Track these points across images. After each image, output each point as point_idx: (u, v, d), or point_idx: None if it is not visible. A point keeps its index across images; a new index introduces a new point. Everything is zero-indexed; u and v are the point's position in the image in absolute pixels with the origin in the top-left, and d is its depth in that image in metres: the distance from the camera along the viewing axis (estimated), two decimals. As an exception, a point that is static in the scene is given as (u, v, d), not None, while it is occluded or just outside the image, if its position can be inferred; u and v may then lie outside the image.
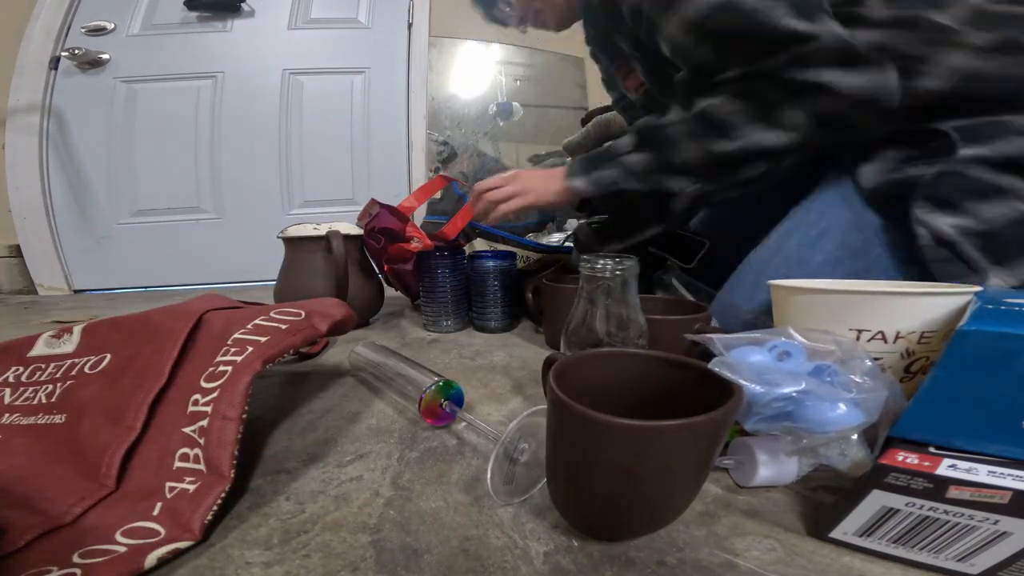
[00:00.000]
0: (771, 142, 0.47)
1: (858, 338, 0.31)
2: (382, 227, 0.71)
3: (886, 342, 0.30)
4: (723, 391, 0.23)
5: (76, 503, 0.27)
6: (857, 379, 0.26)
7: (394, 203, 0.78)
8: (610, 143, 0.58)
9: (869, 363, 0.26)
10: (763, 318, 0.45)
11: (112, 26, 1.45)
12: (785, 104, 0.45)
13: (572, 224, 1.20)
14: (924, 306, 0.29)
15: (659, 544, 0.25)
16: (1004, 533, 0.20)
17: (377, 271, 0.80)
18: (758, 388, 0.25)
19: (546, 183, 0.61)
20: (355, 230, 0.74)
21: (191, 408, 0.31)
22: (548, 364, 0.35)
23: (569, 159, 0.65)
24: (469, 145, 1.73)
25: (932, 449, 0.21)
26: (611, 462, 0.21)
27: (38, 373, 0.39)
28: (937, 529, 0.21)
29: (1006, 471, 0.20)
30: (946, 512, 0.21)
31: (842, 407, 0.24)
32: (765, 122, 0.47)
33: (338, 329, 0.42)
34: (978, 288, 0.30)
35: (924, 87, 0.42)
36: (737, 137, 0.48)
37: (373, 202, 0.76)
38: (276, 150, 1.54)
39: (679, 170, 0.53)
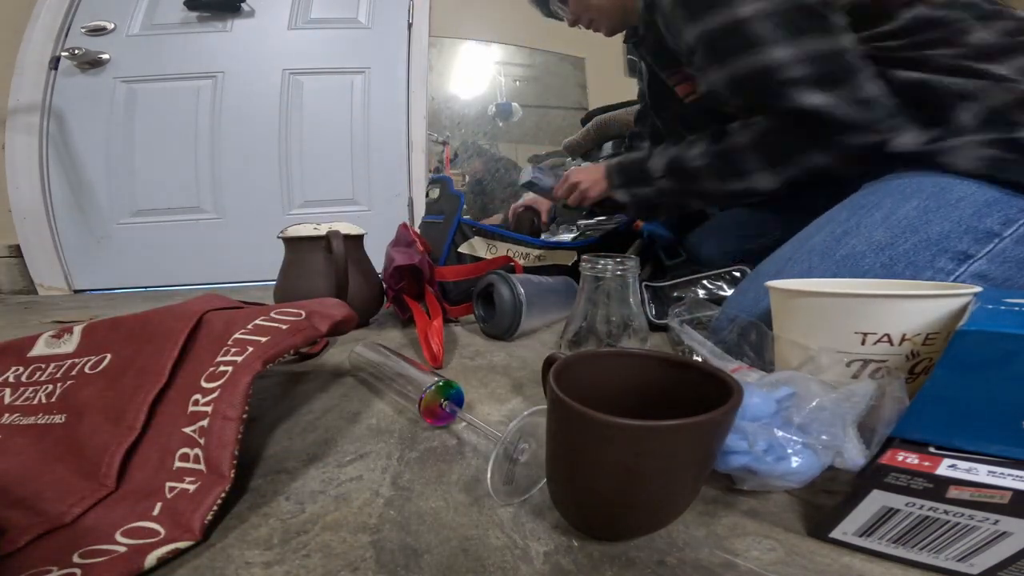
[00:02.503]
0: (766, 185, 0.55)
1: (863, 341, 0.31)
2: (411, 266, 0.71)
3: (892, 344, 0.30)
4: (723, 391, 0.23)
5: (76, 503, 0.27)
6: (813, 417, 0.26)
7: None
8: (644, 162, 0.66)
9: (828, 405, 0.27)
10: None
11: (112, 26, 1.45)
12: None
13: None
14: (929, 308, 0.29)
15: (659, 544, 0.25)
16: (1004, 533, 0.20)
17: (382, 280, 0.80)
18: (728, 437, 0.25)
19: (594, 183, 0.73)
20: (355, 230, 0.74)
21: (191, 408, 0.31)
22: (548, 364, 0.35)
23: (603, 165, 0.73)
24: (470, 145, 1.73)
25: (932, 449, 0.21)
26: (611, 462, 0.21)
27: (38, 373, 0.39)
28: (937, 529, 0.21)
29: (1006, 471, 0.20)
30: (946, 512, 0.21)
31: (796, 460, 0.26)
32: (772, 169, 0.54)
33: (338, 329, 0.42)
34: (978, 288, 0.30)
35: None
36: (745, 180, 0.56)
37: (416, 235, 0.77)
38: (276, 150, 1.54)
39: (699, 196, 0.64)
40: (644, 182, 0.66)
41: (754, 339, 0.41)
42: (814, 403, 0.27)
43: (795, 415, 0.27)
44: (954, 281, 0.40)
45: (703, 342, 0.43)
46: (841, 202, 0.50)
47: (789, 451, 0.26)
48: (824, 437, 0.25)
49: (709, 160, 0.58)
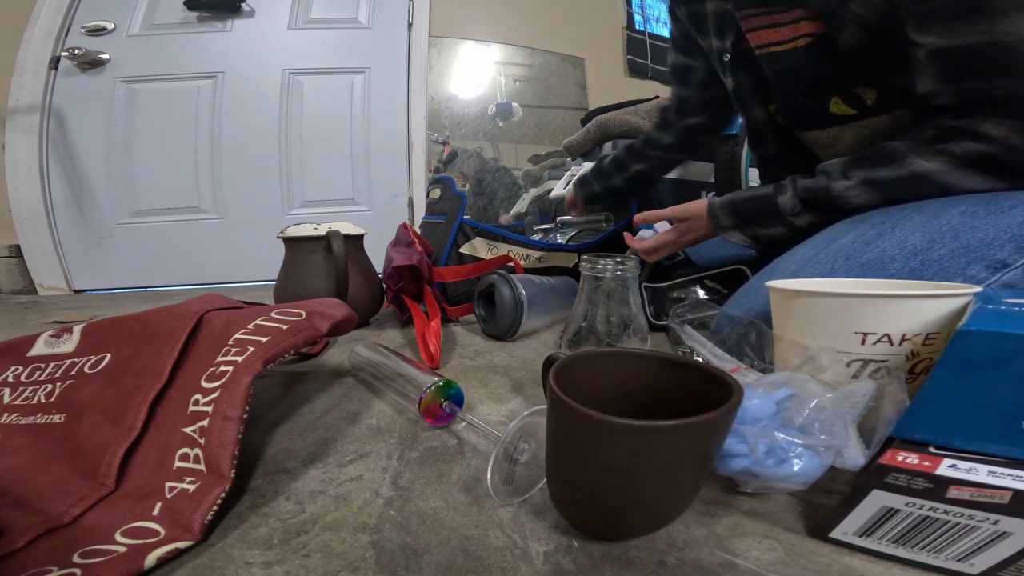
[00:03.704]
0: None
1: (863, 341, 0.31)
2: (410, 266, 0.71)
3: (892, 344, 0.30)
4: (723, 391, 0.23)
5: (75, 503, 0.27)
6: (813, 417, 0.26)
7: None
8: (769, 197, 0.52)
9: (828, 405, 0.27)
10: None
11: (112, 26, 1.45)
12: None
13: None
14: (929, 307, 0.29)
15: (659, 544, 0.25)
16: (1004, 533, 0.20)
17: (381, 280, 0.80)
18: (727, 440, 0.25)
19: (692, 227, 0.60)
20: (355, 230, 0.74)
21: (191, 408, 0.31)
22: (548, 364, 0.35)
23: (704, 202, 0.59)
24: (469, 145, 1.73)
25: (932, 449, 0.21)
26: (611, 462, 0.21)
27: (37, 373, 0.39)
28: (937, 529, 0.21)
29: (1006, 471, 0.20)
30: (946, 512, 0.21)
31: (797, 463, 0.25)
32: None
33: (338, 329, 0.42)
34: (978, 288, 0.30)
35: None
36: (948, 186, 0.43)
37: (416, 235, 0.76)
38: (276, 150, 1.54)
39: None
40: (773, 221, 0.53)
41: (754, 339, 0.41)
42: (814, 403, 0.26)
43: (796, 416, 0.27)
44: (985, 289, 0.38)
45: (704, 342, 0.43)
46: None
47: (791, 453, 0.25)
48: (824, 437, 0.25)
49: (872, 195, 0.46)
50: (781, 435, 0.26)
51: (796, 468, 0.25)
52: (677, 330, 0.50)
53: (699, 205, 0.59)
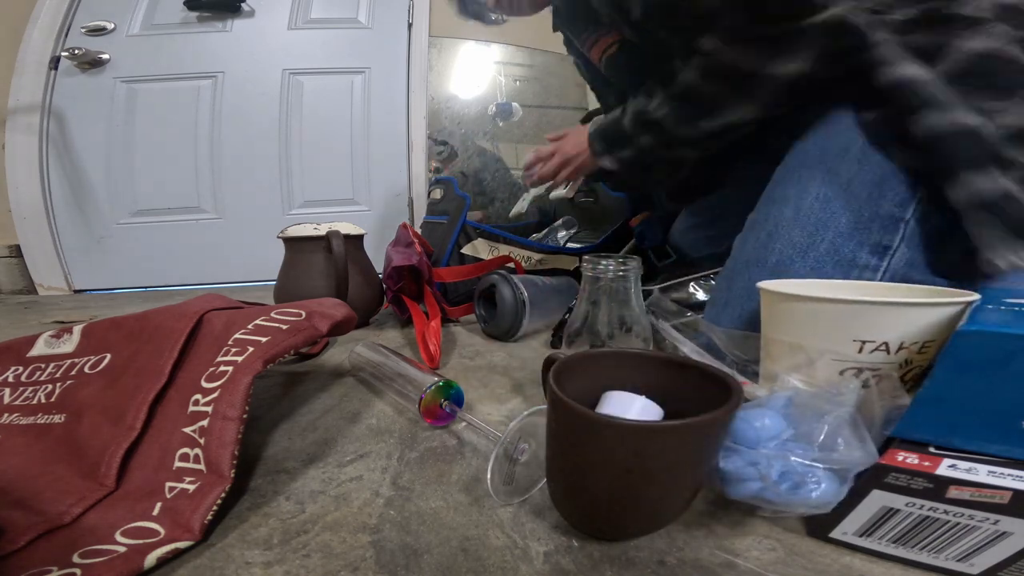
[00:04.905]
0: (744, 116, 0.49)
1: (860, 350, 0.30)
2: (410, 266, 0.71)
3: (889, 353, 0.29)
4: (723, 390, 0.23)
5: (76, 503, 0.27)
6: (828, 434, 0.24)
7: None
8: (618, 121, 0.61)
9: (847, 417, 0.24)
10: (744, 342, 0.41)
11: (112, 26, 1.44)
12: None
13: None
14: (931, 315, 0.28)
15: (659, 544, 0.25)
16: (1004, 533, 0.20)
17: (381, 280, 0.80)
18: (736, 463, 0.24)
19: (582, 152, 0.69)
20: (355, 230, 0.74)
21: (191, 408, 0.31)
22: (548, 364, 0.35)
23: (586, 130, 0.69)
24: (469, 145, 1.73)
25: (932, 449, 0.21)
26: (611, 462, 0.21)
27: (38, 373, 0.39)
28: (937, 529, 0.21)
29: (1006, 471, 0.20)
30: (946, 512, 0.21)
31: (815, 489, 0.23)
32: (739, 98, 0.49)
33: (338, 329, 0.42)
34: (977, 296, 0.29)
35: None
36: (719, 116, 0.51)
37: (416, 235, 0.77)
38: (276, 150, 1.54)
39: (683, 144, 0.56)
40: (623, 143, 0.62)
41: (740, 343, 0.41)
42: (833, 416, 0.24)
43: (815, 432, 0.24)
44: (883, 275, 0.40)
45: (684, 341, 0.43)
46: (761, 196, 0.48)
47: (808, 478, 0.23)
48: (847, 456, 0.23)
49: (669, 107, 0.53)
50: (796, 459, 0.23)
51: (814, 495, 0.22)
52: (656, 326, 0.49)
53: (581, 130, 0.69)
